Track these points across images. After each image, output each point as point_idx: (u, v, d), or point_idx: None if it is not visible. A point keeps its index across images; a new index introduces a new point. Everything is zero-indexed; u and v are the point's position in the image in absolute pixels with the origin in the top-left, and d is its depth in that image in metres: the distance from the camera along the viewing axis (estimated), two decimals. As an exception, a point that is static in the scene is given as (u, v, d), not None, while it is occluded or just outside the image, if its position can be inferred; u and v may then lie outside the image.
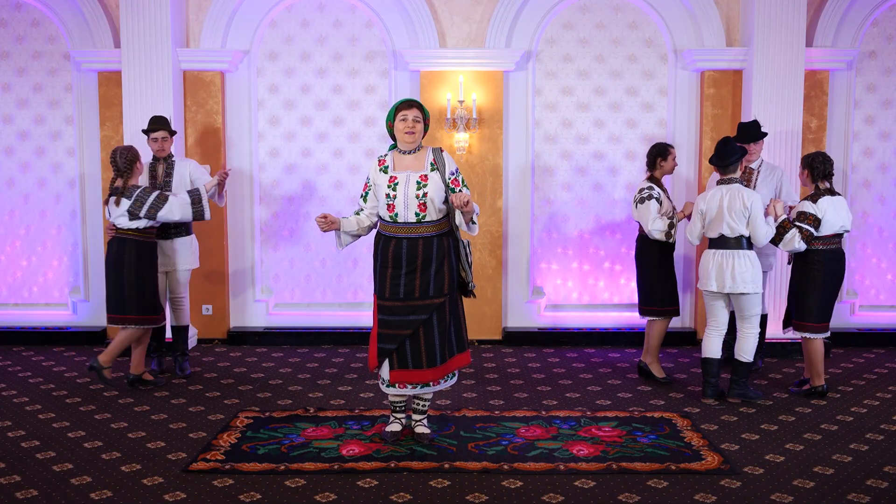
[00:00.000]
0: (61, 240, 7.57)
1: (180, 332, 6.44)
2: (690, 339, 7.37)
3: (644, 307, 6.10)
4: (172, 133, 6.24)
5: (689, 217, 5.92)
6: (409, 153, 4.68)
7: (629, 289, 7.55)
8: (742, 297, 5.47)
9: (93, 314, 7.57)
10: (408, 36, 7.29)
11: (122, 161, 5.75)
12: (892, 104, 7.41)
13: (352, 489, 4.10)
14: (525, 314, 7.56)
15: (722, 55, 7.16)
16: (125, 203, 5.74)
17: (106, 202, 5.88)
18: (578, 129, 7.44)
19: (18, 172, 7.54)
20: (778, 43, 6.91)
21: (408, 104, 4.64)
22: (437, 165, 4.66)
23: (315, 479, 4.22)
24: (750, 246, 5.48)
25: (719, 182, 5.56)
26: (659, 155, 5.97)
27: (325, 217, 4.62)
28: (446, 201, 4.65)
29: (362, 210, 4.77)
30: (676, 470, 4.34)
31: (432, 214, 4.62)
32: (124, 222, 5.78)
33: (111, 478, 4.25)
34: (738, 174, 5.54)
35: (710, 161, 5.60)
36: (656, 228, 5.78)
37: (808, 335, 5.63)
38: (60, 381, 6.18)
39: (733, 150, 5.47)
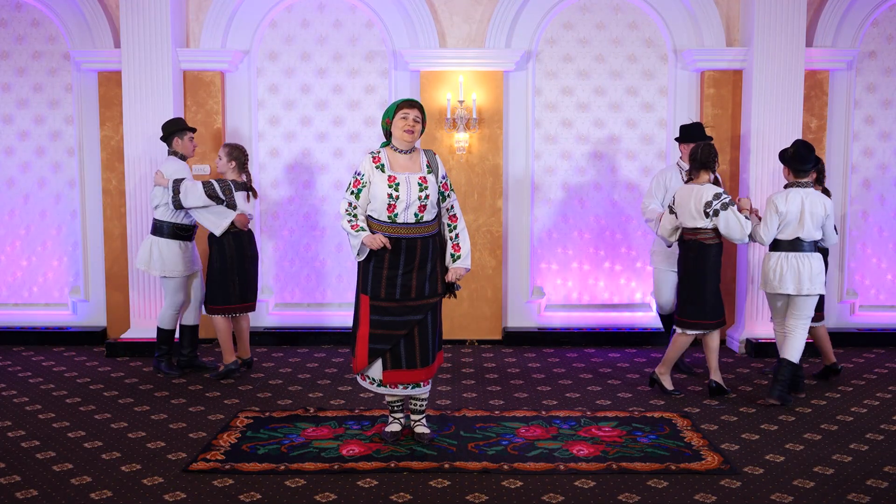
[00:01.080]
0: (61, 240, 7.58)
1: (196, 330, 6.57)
2: (690, 339, 7.37)
3: (692, 320, 5.61)
4: (165, 138, 6.39)
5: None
6: (405, 153, 4.67)
7: (629, 289, 7.55)
8: (809, 297, 5.50)
9: (93, 314, 7.58)
10: (408, 36, 7.29)
11: (245, 156, 6.19)
12: (892, 104, 7.41)
13: (352, 489, 4.10)
14: (525, 314, 7.56)
15: (722, 55, 7.16)
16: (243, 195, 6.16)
17: (210, 195, 6.00)
18: (578, 129, 7.45)
19: (18, 172, 7.54)
20: (778, 43, 6.91)
21: (410, 103, 4.63)
22: (432, 168, 4.66)
23: (315, 479, 4.22)
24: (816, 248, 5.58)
25: (791, 185, 5.52)
26: (717, 155, 5.62)
27: (377, 239, 4.54)
28: (438, 203, 4.67)
29: (356, 208, 4.63)
30: (676, 470, 4.33)
31: (429, 215, 4.63)
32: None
33: (111, 478, 4.25)
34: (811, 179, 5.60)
35: (786, 160, 5.53)
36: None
37: (818, 323, 5.98)
38: (60, 381, 6.18)
39: (813, 157, 5.50)
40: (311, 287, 7.60)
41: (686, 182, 5.74)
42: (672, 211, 5.70)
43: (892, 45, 7.36)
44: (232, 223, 6.05)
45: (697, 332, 5.66)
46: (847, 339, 7.30)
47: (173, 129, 6.27)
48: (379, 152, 4.67)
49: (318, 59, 7.41)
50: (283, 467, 4.37)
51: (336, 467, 4.37)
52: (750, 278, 7.09)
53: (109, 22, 7.21)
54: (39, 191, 7.54)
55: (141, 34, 6.92)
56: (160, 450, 4.67)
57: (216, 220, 6.04)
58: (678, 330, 5.73)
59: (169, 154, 6.31)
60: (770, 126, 6.91)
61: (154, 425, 5.11)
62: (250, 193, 6.19)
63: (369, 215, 4.63)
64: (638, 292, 7.55)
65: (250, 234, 6.26)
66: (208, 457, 4.52)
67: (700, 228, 5.54)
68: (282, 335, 7.46)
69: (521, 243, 7.52)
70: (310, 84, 7.43)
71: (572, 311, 7.59)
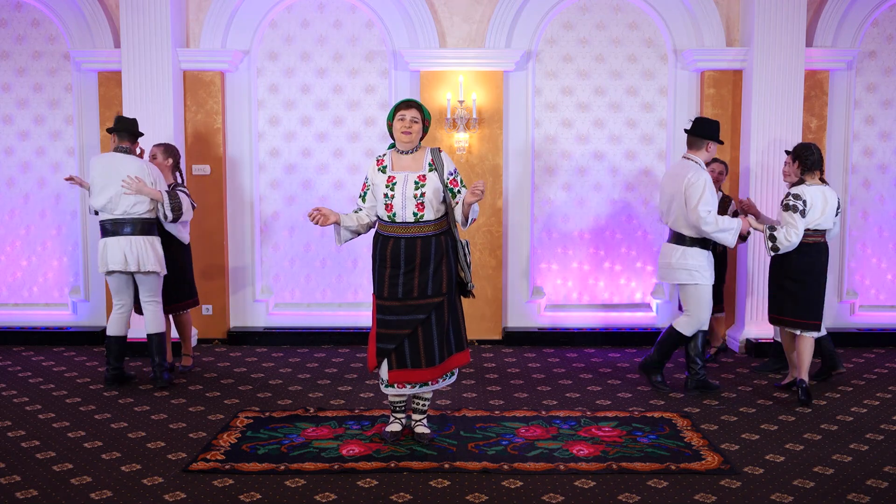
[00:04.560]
0: (61, 240, 7.58)
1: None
2: (690, 339, 7.36)
3: (814, 322, 5.55)
4: (132, 136, 5.86)
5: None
6: (408, 153, 4.69)
7: (629, 289, 7.55)
8: None
9: (93, 314, 7.58)
10: (408, 36, 7.29)
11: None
12: (892, 104, 7.41)
13: (352, 489, 4.10)
14: (525, 314, 7.56)
15: (722, 55, 7.16)
16: None
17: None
18: (578, 129, 7.45)
19: (18, 172, 7.54)
20: (778, 43, 6.91)
21: (407, 104, 4.64)
22: (436, 166, 4.67)
23: (315, 479, 4.22)
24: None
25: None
26: None
27: (318, 210, 4.58)
28: (444, 201, 4.66)
29: (360, 209, 4.78)
30: (676, 470, 4.34)
31: (430, 214, 4.62)
32: None
33: (111, 478, 4.25)
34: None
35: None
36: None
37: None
38: (60, 381, 6.18)
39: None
40: (311, 287, 7.60)
41: (795, 184, 5.59)
42: (804, 215, 5.47)
43: (892, 45, 7.36)
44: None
45: (822, 332, 5.68)
46: (847, 339, 7.30)
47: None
48: (384, 155, 4.73)
49: (318, 59, 7.41)
50: (283, 467, 4.37)
51: (336, 467, 4.37)
52: (749, 278, 7.09)
53: (109, 22, 7.21)
54: (39, 191, 7.54)
55: (141, 34, 6.93)
56: (160, 450, 4.67)
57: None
58: (806, 334, 5.54)
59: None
60: (770, 126, 6.91)
61: (154, 425, 5.12)
62: None
63: (378, 216, 4.71)
64: (638, 292, 7.55)
65: None
66: (208, 457, 4.52)
67: (828, 230, 5.64)
68: (281, 335, 7.46)
69: (521, 243, 7.52)
70: (310, 84, 7.43)
71: (572, 311, 7.59)
